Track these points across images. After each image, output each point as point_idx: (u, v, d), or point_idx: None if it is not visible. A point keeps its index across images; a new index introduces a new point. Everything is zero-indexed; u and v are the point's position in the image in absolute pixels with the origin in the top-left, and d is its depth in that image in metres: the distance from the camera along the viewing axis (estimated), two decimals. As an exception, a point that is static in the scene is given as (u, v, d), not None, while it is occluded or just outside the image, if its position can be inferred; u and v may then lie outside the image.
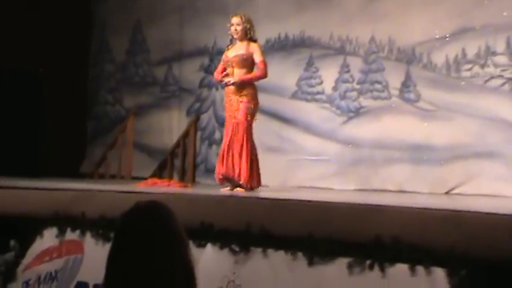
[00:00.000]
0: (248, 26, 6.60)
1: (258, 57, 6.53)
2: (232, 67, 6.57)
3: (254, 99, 6.53)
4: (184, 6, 9.76)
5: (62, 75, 9.90)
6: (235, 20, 6.63)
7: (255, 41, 6.63)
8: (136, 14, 10.22)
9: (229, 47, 6.67)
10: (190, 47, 9.73)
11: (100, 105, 10.65)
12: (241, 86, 6.51)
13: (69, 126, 10.10)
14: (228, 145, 6.47)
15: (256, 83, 6.58)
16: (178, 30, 9.85)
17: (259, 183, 6.55)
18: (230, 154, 6.46)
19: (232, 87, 6.53)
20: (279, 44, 8.80)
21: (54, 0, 9.96)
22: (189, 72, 9.73)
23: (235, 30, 6.60)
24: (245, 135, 6.44)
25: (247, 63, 6.53)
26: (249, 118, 6.48)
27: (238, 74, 6.53)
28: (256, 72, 6.55)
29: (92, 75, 10.73)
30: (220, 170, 6.52)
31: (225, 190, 6.53)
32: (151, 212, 2.14)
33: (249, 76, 6.53)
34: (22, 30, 9.64)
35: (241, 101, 6.48)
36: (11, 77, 9.65)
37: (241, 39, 6.59)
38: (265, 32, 8.65)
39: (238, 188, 6.50)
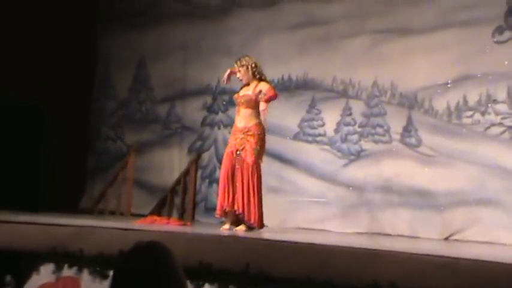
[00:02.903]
0: (245, 67, 6.70)
1: (264, 90, 6.60)
2: (239, 106, 6.70)
3: (260, 139, 6.62)
4: (188, 45, 9.84)
5: (64, 109, 9.91)
6: (235, 66, 6.79)
7: (264, 79, 6.74)
8: (141, 51, 10.30)
9: (243, 86, 6.80)
10: (193, 85, 9.78)
11: (101, 141, 10.66)
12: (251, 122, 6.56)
13: (69, 161, 10.08)
14: (233, 182, 6.52)
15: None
16: (182, 69, 9.91)
17: (263, 224, 6.63)
18: (237, 192, 6.51)
19: (240, 125, 6.62)
20: (282, 85, 8.85)
21: (59, 34, 10.02)
22: (192, 110, 9.77)
23: (239, 77, 6.77)
24: (256, 177, 6.52)
25: (253, 104, 6.64)
26: (256, 160, 6.57)
27: (244, 113, 6.64)
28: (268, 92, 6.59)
29: (95, 111, 10.76)
30: (224, 204, 6.57)
31: (224, 229, 6.55)
32: (151, 253, 2.14)
33: (265, 108, 6.58)
34: (26, 63, 9.70)
35: (248, 141, 6.55)
36: (13, 110, 9.67)
37: (249, 82, 6.71)
38: (269, 73, 8.65)
39: (239, 227, 6.53)
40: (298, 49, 8.82)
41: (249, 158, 6.55)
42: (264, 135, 6.75)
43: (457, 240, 7.35)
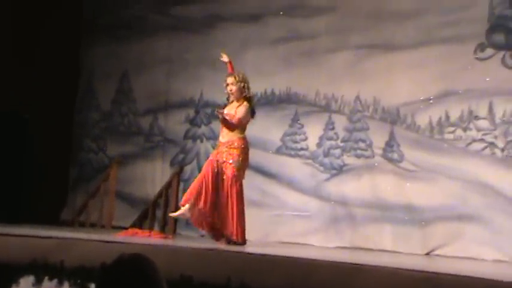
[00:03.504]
0: (243, 84, 6.68)
1: (238, 114, 6.59)
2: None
3: (243, 153, 6.60)
4: (172, 57, 9.84)
5: (46, 120, 9.88)
6: (229, 79, 6.73)
7: (249, 99, 6.71)
8: (125, 63, 10.28)
9: (228, 103, 6.76)
10: (176, 98, 9.77)
11: (83, 153, 10.62)
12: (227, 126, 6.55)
13: (51, 172, 10.03)
14: (211, 188, 6.49)
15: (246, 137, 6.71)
16: (166, 81, 9.90)
17: (244, 239, 6.58)
18: (214, 204, 6.48)
19: (223, 140, 6.60)
20: (265, 99, 8.88)
21: (43, 45, 10.00)
22: (175, 123, 9.75)
23: (231, 90, 6.70)
24: (235, 191, 6.48)
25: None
26: (236, 173, 6.54)
27: (227, 133, 6.61)
28: (234, 119, 6.59)
29: (77, 122, 10.72)
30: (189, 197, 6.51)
31: (173, 214, 6.53)
32: (134, 265, 2.13)
33: (229, 118, 6.57)
34: (8, 73, 9.65)
35: (230, 154, 6.54)
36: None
37: (237, 99, 6.67)
38: (252, 86, 8.67)
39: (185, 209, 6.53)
40: (282, 63, 8.85)
41: (229, 171, 6.53)
42: (248, 149, 6.73)
43: (438, 255, 7.37)
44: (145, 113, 10.08)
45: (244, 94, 6.70)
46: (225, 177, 6.53)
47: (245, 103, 6.67)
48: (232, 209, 6.49)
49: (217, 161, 6.61)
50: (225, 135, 6.68)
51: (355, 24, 8.31)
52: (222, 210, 6.51)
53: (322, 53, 8.53)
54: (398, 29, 8.01)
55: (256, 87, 8.79)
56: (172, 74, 9.83)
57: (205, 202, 6.51)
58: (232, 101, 6.75)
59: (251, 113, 6.77)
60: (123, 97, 10.32)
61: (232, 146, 6.60)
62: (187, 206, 6.55)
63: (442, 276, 4.05)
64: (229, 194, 6.50)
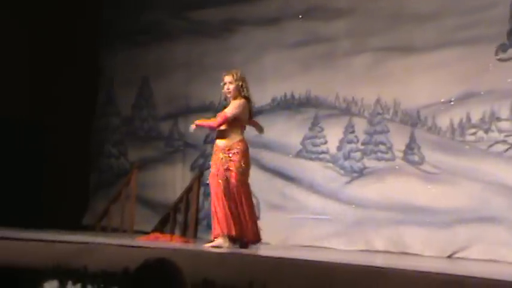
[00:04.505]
0: (241, 83, 6.53)
1: (226, 109, 6.52)
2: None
3: (244, 156, 6.42)
4: (191, 62, 9.87)
5: (67, 126, 9.95)
6: (227, 78, 6.57)
7: (247, 98, 6.58)
8: (144, 68, 10.34)
9: (226, 104, 6.70)
10: (196, 102, 9.80)
11: (104, 158, 10.68)
12: (222, 137, 6.47)
13: (72, 178, 10.11)
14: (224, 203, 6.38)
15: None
16: (185, 86, 9.94)
17: (258, 238, 6.49)
18: (234, 215, 6.40)
19: (220, 144, 6.48)
20: (285, 102, 8.88)
21: (63, 52, 10.08)
22: (195, 127, 9.77)
23: (228, 89, 6.55)
24: (242, 194, 6.37)
25: (229, 121, 6.45)
26: (241, 178, 6.39)
27: (224, 131, 6.47)
28: (212, 120, 6.55)
29: (97, 128, 10.80)
30: (219, 228, 6.39)
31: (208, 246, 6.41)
32: (160, 269, 2.14)
33: (204, 123, 6.57)
34: (27, 80, 9.73)
35: (232, 160, 6.38)
36: (16, 128, 9.70)
37: (234, 98, 6.55)
38: (271, 90, 8.75)
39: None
40: (301, 66, 8.85)
41: (234, 178, 6.35)
42: (248, 150, 6.49)
43: (460, 258, 7.33)
44: (165, 118, 10.12)
45: (242, 94, 6.55)
46: (230, 185, 6.39)
47: (239, 99, 6.49)
48: (244, 212, 6.40)
49: (219, 170, 6.45)
50: (222, 139, 6.50)
51: (375, 26, 8.29)
52: (235, 218, 6.40)
53: (342, 56, 8.52)
54: (418, 31, 7.98)
55: (276, 91, 8.82)
56: (191, 78, 9.86)
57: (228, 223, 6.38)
58: (229, 102, 6.64)
59: (248, 114, 6.58)
60: (143, 102, 10.37)
61: (232, 151, 6.42)
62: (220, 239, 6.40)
63: (466, 279, 4.03)
64: (238, 199, 6.38)
